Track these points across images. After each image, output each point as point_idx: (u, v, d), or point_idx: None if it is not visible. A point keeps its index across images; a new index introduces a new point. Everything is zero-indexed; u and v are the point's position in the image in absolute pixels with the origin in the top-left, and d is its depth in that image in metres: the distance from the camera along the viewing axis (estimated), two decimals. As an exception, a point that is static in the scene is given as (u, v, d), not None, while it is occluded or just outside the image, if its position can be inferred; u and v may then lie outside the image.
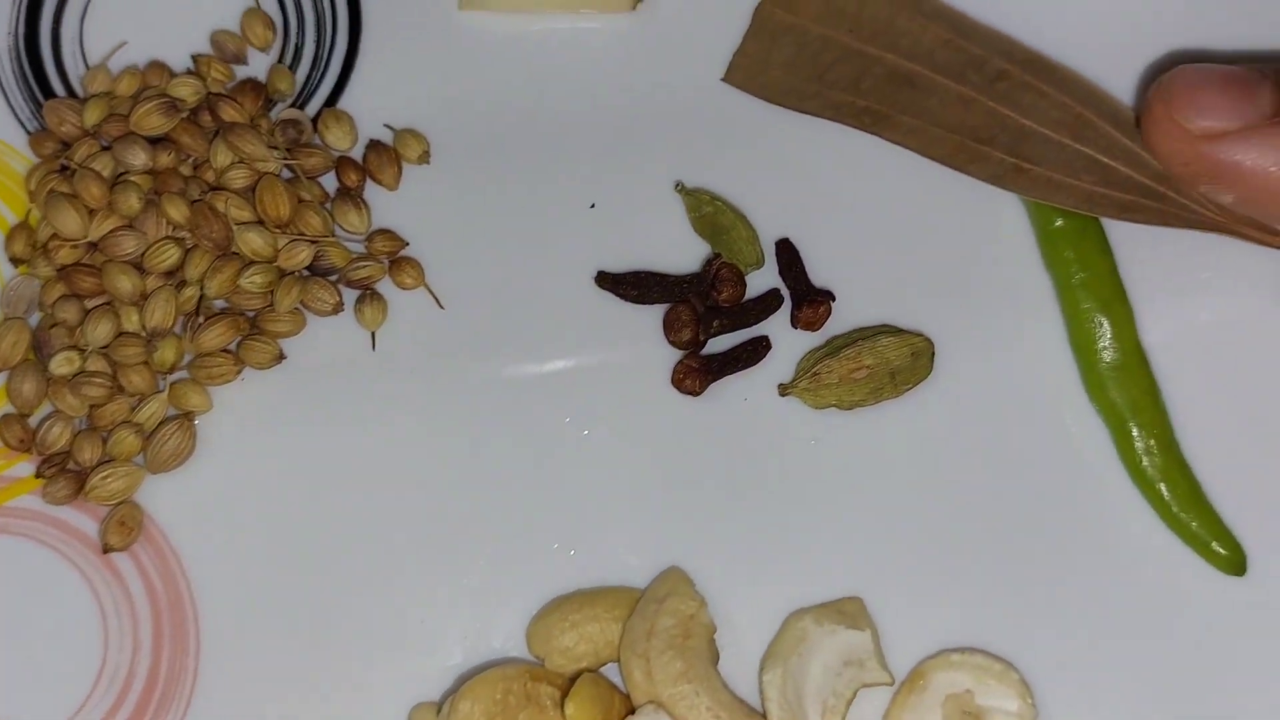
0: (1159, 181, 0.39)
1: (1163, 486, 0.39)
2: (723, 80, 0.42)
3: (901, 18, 0.42)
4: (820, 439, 0.40)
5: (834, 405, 0.39)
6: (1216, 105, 0.36)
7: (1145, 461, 0.39)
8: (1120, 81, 0.41)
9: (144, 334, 0.39)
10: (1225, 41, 0.41)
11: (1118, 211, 0.39)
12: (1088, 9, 0.42)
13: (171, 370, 0.39)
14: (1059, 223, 0.40)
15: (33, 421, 0.39)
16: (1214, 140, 0.36)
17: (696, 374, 0.39)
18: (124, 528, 0.38)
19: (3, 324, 0.39)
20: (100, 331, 0.39)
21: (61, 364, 0.38)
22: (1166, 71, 0.38)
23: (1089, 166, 0.40)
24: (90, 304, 0.39)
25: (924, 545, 0.39)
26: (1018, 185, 0.40)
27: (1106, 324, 0.39)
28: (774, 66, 0.42)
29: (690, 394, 0.40)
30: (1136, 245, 0.40)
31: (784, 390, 0.40)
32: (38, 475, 0.39)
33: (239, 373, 0.39)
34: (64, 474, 0.38)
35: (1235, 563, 0.38)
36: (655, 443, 0.40)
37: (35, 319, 0.40)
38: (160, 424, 0.39)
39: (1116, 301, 0.40)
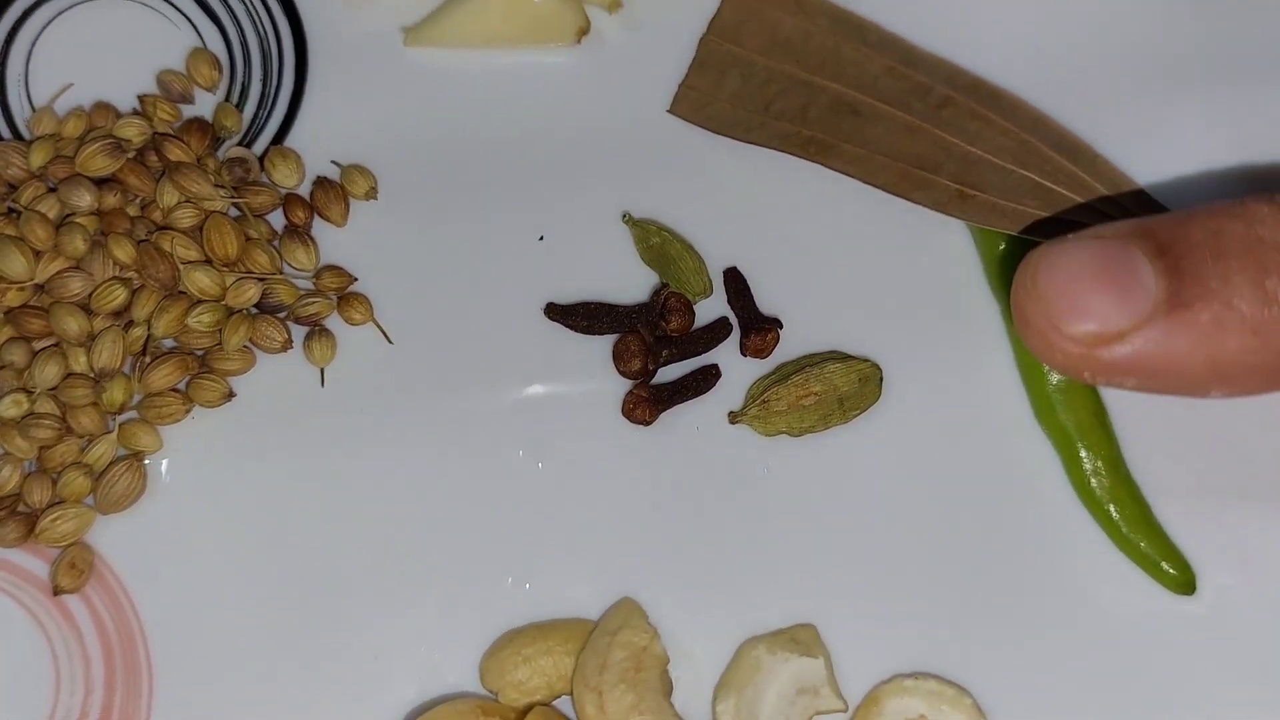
0: (1104, 205, 0.40)
1: (1111, 508, 0.39)
2: (669, 112, 0.42)
3: (847, 48, 0.42)
4: (772, 466, 0.40)
5: (784, 432, 0.40)
6: (1100, 305, 0.31)
7: (1094, 483, 0.39)
8: (1062, 108, 0.41)
9: (92, 375, 0.39)
10: (1161, 68, 0.42)
11: (1062, 235, 0.40)
12: (1029, 37, 0.42)
13: (120, 410, 0.39)
14: (1004, 248, 0.40)
15: (-19, 465, 0.39)
16: (1112, 343, 0.31)
17: (647, 403, 0.40)
18: (75, 569, 0.38)
19: (-51, 369, 0.39)
20: (48, 373, 0.38)
21: (10, 406, 0.38)
22: (1028, 256, 0.32)
23: (1033, 191, 0.40)
24: (38, 346, 0.39)
25: (876, 571, 0.39)
26: (963, 211, 0.40)
27: (1053, 347, 0.40)
28: (720, 98, 0.42)
29: (641, 423, 0.40)
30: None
31: (734, 418, 0.40)
32: (-13, 518, 0.39)
33: (188, 411, 0.39)
34: (14, 516, 0.38)
35: (1184, 582, 0.39)
36: (607, 473, 0.40)
37: (-18, 363, 0.40)
38: (110, 464, 0.39)
39: (1063, 324, 0.40)
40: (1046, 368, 0.39)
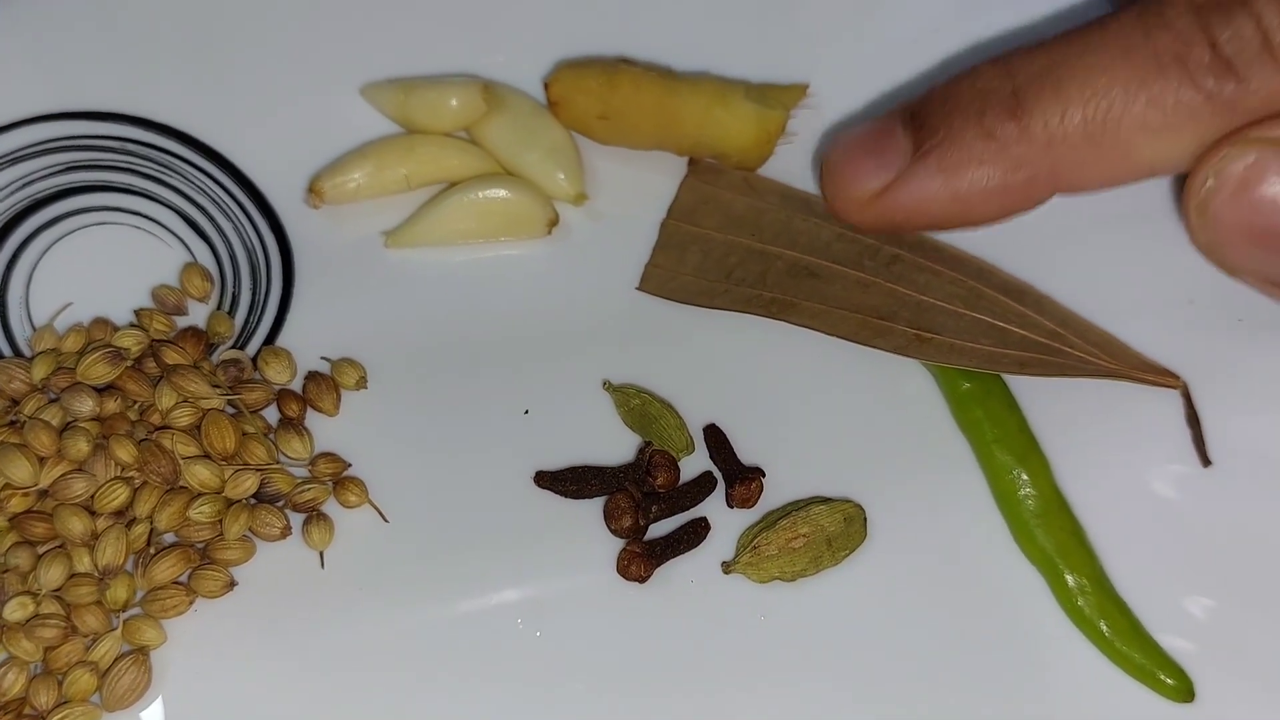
0: (1052, 338, 0.42)
1: (1102, 624, 0.40)
2: (638, 289, 0.44)
3: (797, 219, 0.45)
4: (769, 613, 0.40)
5: (778, 577, 0.41)
6: (868, 167, 0.39)
7: (1081, 601, 0.40)
8: (1004, 257, 0.44)
9: (96, 574, 0.39)
10: (1079, 212, 0.45)
11: (1017, 368, 0.42)
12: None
13: (125, 607, 0.39)
14: (966, 386, 0.42)
15: (-13, 671, 0.39)
16: (883, 195, 0.39)
17: (641, 559, 0.40)
18: (82, 768, 0.38)
19: (-47, 581, 0.40)
20: (53, 574, 0.39)
21: (15, 609, 0.39)
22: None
23: (986, 331, 0.43)
24: (42, 549, 0.40)
25: (883, 705, 0.40)
26: (922, 353, 0.42)
27: (1024, 475, 0.41)
28: (684, 272, 0.44)
29: (637, 580, 0.40)
30: (1040, 398, 0.42)
31: (728, 568, 0.41)
32: (-7, 724, 0.38)
33: (191, 603, 0.40)
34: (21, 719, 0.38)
35: (1182, 690, 0.39)
36: (609, 632, 0.40)
37: (-13, 571, 0.40)
38: (115, 661, 0.39)
39: (1031, 453, 0.41)
40: (1021, 495, 0.41)
